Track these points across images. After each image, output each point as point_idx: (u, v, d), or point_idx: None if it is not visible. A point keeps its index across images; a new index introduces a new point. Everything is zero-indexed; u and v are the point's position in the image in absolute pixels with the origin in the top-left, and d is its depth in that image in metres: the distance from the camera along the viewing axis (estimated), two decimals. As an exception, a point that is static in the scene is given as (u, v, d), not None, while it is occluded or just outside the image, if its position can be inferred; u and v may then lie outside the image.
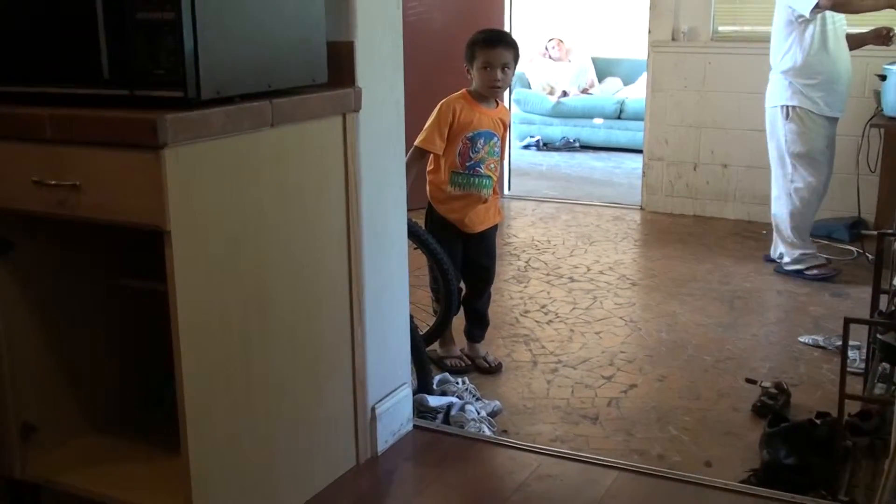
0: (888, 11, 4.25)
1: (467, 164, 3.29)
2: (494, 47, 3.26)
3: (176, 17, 1.80)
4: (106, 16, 1.87)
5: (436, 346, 3.48)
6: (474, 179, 3.31)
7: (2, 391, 2.18)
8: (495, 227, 3.51)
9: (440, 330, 3.42)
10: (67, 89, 1.96)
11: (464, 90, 3.33)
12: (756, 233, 5.26)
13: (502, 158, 3.55)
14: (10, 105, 2.00)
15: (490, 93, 3.31)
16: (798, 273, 4.45)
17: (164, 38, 1.82)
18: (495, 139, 3.34)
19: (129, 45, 1.86)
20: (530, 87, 8.67)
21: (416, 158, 3.26)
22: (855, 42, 4.42)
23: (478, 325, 3.52)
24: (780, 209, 4.52)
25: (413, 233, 3.02)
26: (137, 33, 1.84)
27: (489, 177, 3.34)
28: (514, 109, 7.91)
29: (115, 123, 1.83)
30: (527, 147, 8.36)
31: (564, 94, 8.49)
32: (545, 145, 8.41)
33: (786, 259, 4.50)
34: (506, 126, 3.45)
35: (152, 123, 1.76)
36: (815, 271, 4.42)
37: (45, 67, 1.98)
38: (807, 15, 4.16)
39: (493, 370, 3.42)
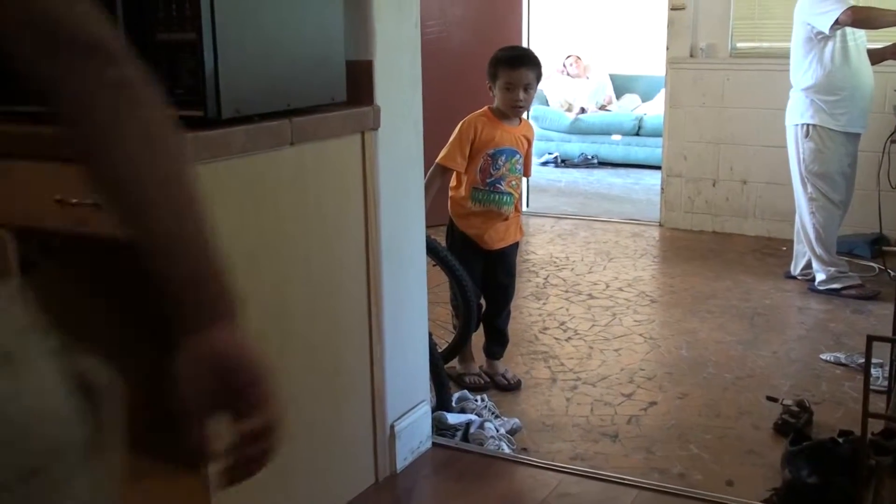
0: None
1: (488, 180, 3.29)
2: (517, 68, 3.26)
3: (196, 37, 1.82)
4: (127, 36, 1.89)
5: (455, 363, 3.47)
6: (494, 196, 3.31)
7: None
8: (516, 245, 3.51)
9: (459, 347, 3.41)
10: (90, 109, 1.98)
11: (486, 108, 3.34)
12: (776, 249, 5.23)
13: (528, 174, 3.54)
14: (32, 125, 2.02)
15: (512, 112, 3.31)
16: (833, 292, 4.40)
17: (185, 58, 1.84)
18: (517, 156, 3.33)
19: (150, 65, 1.87)
20: (548, 104, 8.68)
21: (438, 175, 3.27)
22: (875, 57, 4.40)
23: (497, 343, 3.52)
24: (803, 225, 4.50)
25: (431, 249, 3.02)
26: (158, 53, 1.87)
27: (510, 194, 3.33)
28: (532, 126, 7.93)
29: (136, 143, 1.85)
30: (545, 164, 8.36)
31: (582, 110, 8.50)
32: (563, 162, 8.41)
33: (820, 277, 4.45)
34: (530, 142, 3.44)
35: (173, 142, 1.78)
36: (852, 291, 4.38)
37: (67, 87, 2.00)
38: (826, 31, 4.15)
39: (512, 387, 3.41)
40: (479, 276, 3.39)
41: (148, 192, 0.83)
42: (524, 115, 3.47)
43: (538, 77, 3.33)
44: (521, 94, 3.25)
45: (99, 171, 0.83)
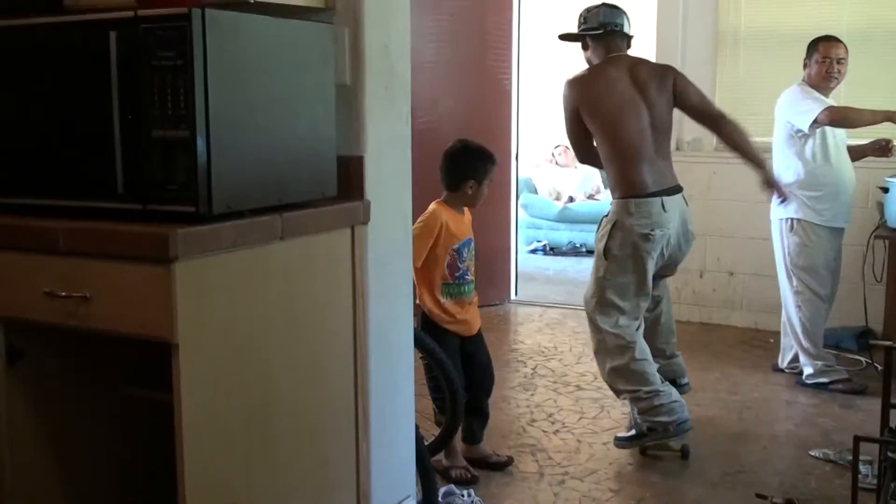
0: (888, 124, 4.32)
1: (456, 274, 3.37)
2: (493, 166, 3.40)
3: (191, 134, 1.85)
4: (123, 133, 1.92)
5: (440, 456, 3.43)
6: (463, 287, 3.40)
7: (3, 499, 2.16)
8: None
9: (445, 440, 3.38)
10: (82, 202, 2.00)
11: (440, 201, 3.40)
12: (764, 341, 5.24)
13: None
14: (26, 217, 2.04)
15: (471, 207, 3.42)
16: (821, 386, 4.40)
17: (179, 154, 1.87)
18: (472, 244, 3.44)
19: (145, 161, 1.91)
20: (537, 192, 8.77)
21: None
22: (855, 154, 4.49)
23: (480, 423, 3.52)
24: (790, 318, 4.52)
25: (420, 344, 3.02)
26: (153, 150, 1.90)
27: (472, 280, 3.46)
28: (522, 214, 8.00)
29: (127, 237, 1.87)
30: (534, 251, 8.41)
31: (571, 199, 8.59)
32: (552, 250, 8.46)
33: (808, 371, 4.45)
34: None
35: (164, 238, 1.79)
36: (840, 386, 4.38)
37: (61, 181, 2.03)
38: (806, 130, 4.24)
39: (505, 464, 3.45)
40: (460, 365, 3.39)
41: (750, 145, 3.65)
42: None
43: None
44: (486, 191, 3.37)
45: (743, 148, 3.65)
